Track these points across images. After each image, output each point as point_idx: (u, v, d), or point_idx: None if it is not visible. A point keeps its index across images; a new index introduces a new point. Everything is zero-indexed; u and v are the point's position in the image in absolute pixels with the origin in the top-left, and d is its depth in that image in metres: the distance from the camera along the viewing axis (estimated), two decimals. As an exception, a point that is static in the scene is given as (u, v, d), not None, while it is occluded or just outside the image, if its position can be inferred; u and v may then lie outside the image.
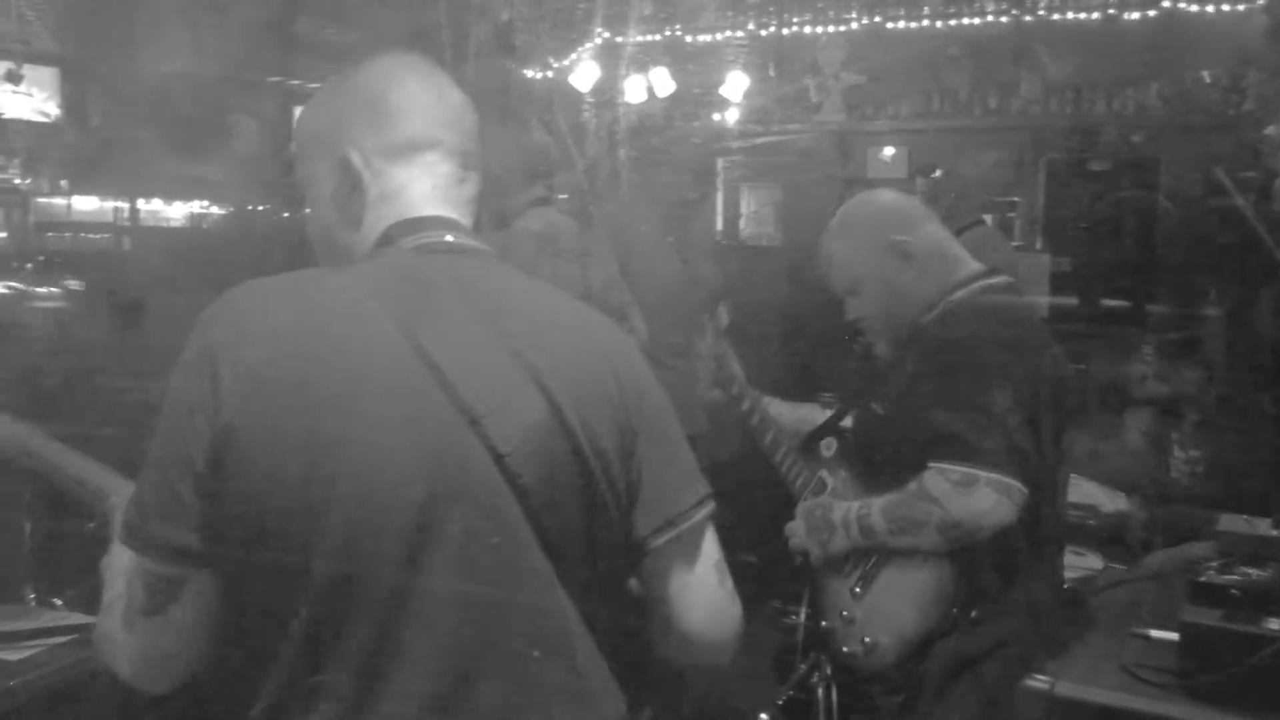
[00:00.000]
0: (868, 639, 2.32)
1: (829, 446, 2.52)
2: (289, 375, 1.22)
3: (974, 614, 2.24)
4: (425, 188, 1.42)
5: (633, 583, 1.46)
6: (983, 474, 2.15)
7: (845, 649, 2.37)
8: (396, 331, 1.27)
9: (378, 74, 1.45)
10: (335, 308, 1.29)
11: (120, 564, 1.32)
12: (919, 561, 2.26)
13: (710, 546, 1.45)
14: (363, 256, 1.40)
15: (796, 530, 2.46)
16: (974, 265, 2.48)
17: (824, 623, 2.45)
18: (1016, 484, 2.15)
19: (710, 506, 1.45)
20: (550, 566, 1.30)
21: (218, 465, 1.20)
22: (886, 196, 2.64)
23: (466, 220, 1.46)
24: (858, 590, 2.35)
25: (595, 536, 1.35)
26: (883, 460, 2.39)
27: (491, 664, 1.26)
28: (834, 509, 2.39)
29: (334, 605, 1.21)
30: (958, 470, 2.17)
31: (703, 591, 1.44)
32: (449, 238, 1.40)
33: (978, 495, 2.15)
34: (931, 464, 2.20)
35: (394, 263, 1.37)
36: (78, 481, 1.74)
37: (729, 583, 1.47)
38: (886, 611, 2.30)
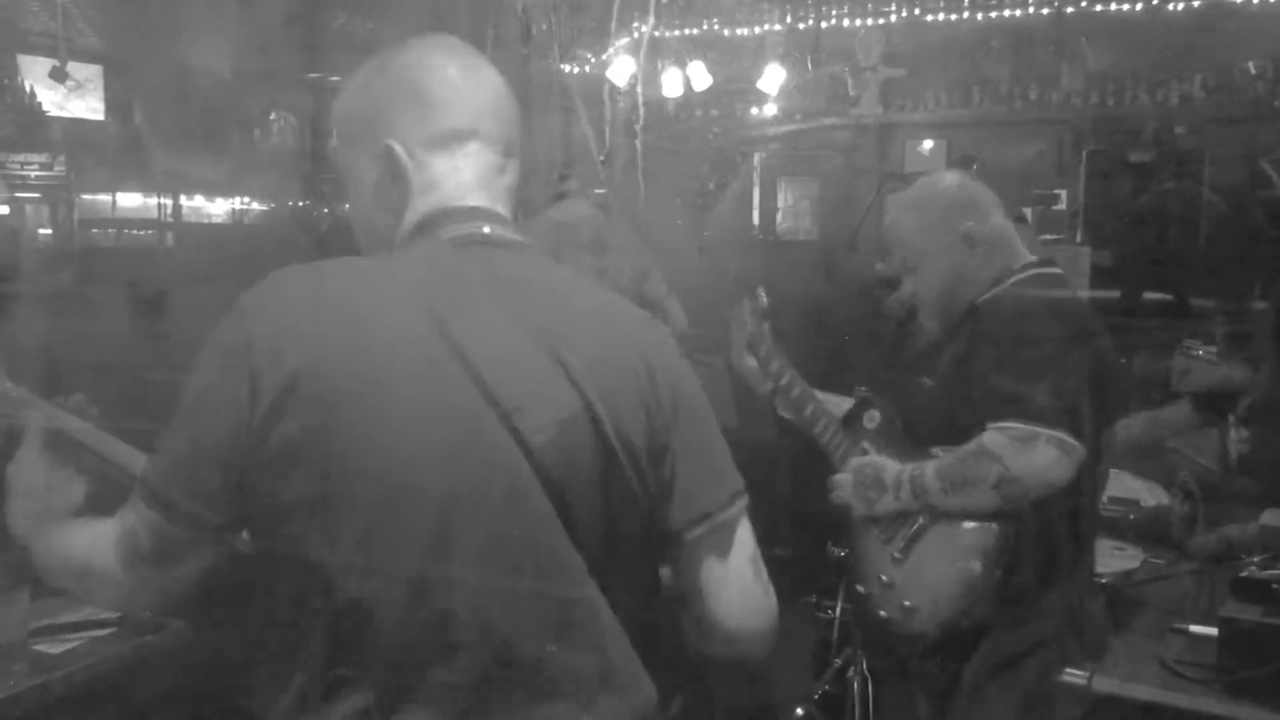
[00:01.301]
0: (908, 603, 2.31)
1: (872, 419, 2.53)
2: (322, 368, 1.23)
3: (1012, 579, 2.23)
4: (466, 178, 1.41)
5: (664, 571, 1.45)
6: (1044, 431, 2.16)
7: (883, 613, 2.36)
8: (429, 324, 1.27)
9: (418, 60, 1.43)
10: (369, 300, 1.30)
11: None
12: (963, 528, 2.26)
13: (745, 540, 1.44)
14: (400, 245, 1.41)
15: (843, 484, 2.46)
16: (1029, 255, 2.50)
17: (860, 588, 2.44)
18: (1076, 443, 2.16)
19: (744, 500, 1.44)
20: (579, 558, 1.30)
21: (250, 454, 1.22)
22: (959, 181, 2.65)
23: (505, 210, 1.45)
24: (898, 555, 2.35)
25: (625, 529, 1.34)
26: (931, 432, 2.40)
27: (521, 653, 1.26)
28: (886, 469, 2.39)
29: (361, 594, 1.22)
30: (1020, 427, 2.18)
31: (737, 585, 1.43)
32: (486, 229, 1.39)
33: (1039, 451, 2.16)
34: (991, 424, 2.20)
35: (428, 254, 1.36)
36: (109, 461, 1.74)
37: (764, 576, 1.46)
38: (928, 576, 2.29)
